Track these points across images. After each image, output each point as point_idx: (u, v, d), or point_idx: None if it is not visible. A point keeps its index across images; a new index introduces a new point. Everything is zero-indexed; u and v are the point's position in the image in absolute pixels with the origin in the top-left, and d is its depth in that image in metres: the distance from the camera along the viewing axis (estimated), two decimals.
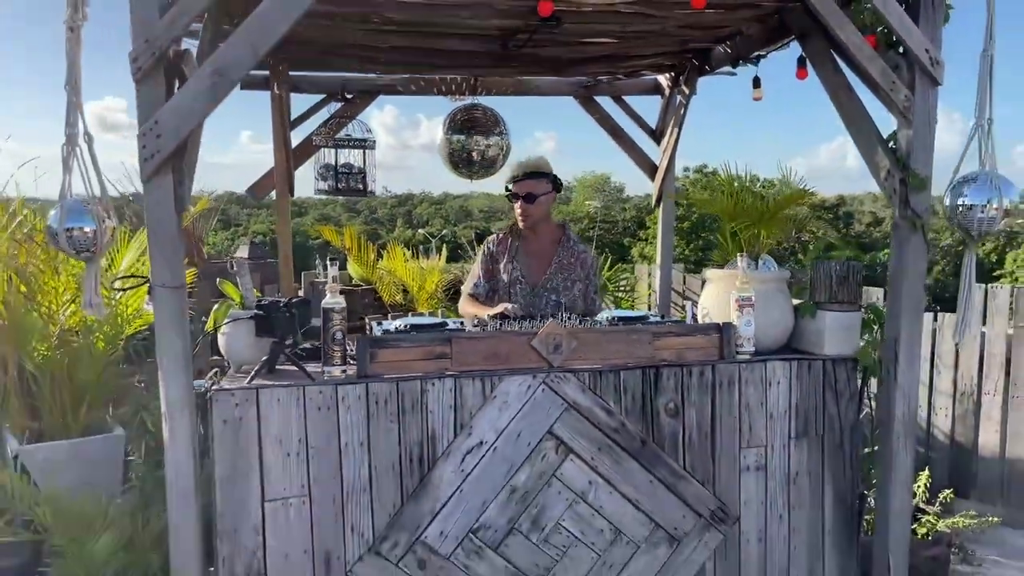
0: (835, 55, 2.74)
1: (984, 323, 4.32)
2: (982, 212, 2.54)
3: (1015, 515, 4.12)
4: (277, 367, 2.49)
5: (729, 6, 2.99)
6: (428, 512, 2.45)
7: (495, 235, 3.60)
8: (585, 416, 2.55)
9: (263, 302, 2.52)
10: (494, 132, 4.74)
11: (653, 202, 4.85)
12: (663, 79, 4.56)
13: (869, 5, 2.54)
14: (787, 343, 2.87)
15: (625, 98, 4.77)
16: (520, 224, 3.47)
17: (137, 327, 3.96)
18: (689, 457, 2.65)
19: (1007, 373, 4.24)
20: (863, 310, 2.87)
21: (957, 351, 4.44)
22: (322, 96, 4.61)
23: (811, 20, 2.67)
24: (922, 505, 3.58)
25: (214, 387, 2.32)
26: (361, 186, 4.78)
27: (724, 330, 2.68)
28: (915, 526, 3.34)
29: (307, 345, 2.66)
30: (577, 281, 3.46)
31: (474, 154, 4.74)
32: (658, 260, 4.97)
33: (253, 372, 2.41)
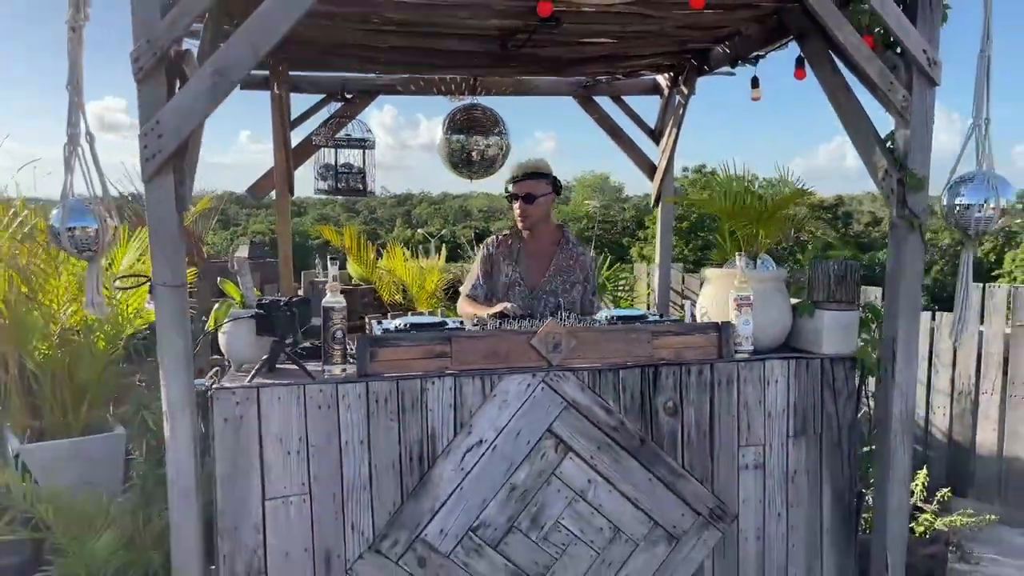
0: (833, 55, 2.75)
1: (982, 322, 4.34)
2: (979, 212, 2.54)
3: (1012, 513, 4.14)
4: (277, 366, 2.50)
5: (728, 6, 2.99)
6: (428, 510, 2.45)
7: (494, 237, 3.59)
8: (584, 415, 2.56)
9: (263, 301, 2.52)
10: (494, 132, 4.74)
11: (652, 202, 4.86)
12: (662, 79, 4.57)
13: (867, 6, 2.55)
14: (785, 342, 2.88)
15: (624, 98, 4.77)
16: (519, 225, 3.47)
17: (138, 326, 3.97)
18: (688, 455, 2.66)
19: (1005, 372, 4.26)
20: (861, 309, 2.87)
21: (955, 350, 4.45)
22: (322, 96, 4.62)
23: (809, 20, 2.68)
24: (920, 504, 3.59)
25: (215, 386, 2.33)
26: (361, 186, 4.79)
27: (723, 329, 2.69)
28: (913, 524, 3.35)
29: (307, 344, 2.66)
30: (576, 283, 3.46)
31: (474, 154, 4.74)
32: (657, 260, 4.98)
33: (254, 371, 2.42)
